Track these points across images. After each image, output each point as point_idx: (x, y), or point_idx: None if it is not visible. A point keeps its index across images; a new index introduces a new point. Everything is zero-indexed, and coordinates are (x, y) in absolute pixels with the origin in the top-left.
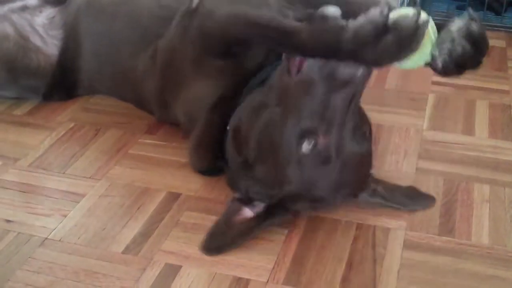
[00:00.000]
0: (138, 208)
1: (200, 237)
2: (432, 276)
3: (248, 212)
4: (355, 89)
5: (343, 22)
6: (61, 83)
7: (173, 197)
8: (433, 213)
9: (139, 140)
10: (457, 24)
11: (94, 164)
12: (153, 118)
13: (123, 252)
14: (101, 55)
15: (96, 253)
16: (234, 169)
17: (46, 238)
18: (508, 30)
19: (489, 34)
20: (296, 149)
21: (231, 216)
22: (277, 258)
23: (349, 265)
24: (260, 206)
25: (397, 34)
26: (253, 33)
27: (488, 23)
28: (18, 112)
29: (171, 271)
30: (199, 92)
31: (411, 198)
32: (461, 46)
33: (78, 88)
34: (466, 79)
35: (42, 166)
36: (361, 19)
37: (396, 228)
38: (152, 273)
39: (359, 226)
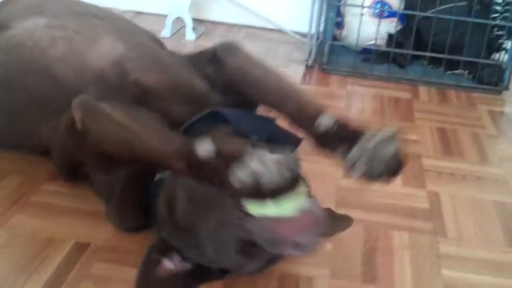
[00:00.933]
0: (42, 261)
1: None
2: None
3: (167, 263)
4: None
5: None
6: None
7: (82, 247)
8: (355, 261)
9: (42, 187)
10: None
11: None
12: None
13: None
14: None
15: None
16: (167, 228)
17: None
18: (412, 82)
19: (394, 86)
20: (235, 252)
21: (152, 267)
22: None
23: None
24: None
25: None
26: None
27: (393, 76)
28: None
29: None
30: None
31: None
32: (378, 168)
33: None
34: None
35: None
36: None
37: (319, 276)
38: None
39: (282, 277)
